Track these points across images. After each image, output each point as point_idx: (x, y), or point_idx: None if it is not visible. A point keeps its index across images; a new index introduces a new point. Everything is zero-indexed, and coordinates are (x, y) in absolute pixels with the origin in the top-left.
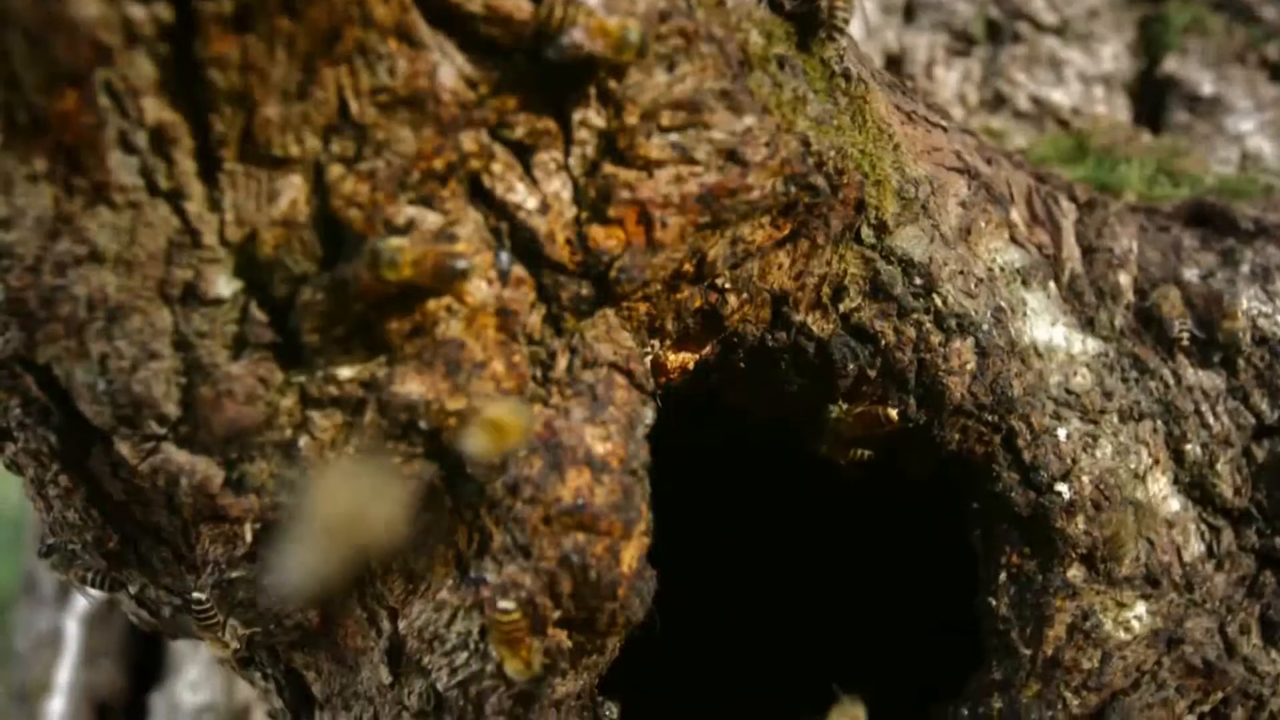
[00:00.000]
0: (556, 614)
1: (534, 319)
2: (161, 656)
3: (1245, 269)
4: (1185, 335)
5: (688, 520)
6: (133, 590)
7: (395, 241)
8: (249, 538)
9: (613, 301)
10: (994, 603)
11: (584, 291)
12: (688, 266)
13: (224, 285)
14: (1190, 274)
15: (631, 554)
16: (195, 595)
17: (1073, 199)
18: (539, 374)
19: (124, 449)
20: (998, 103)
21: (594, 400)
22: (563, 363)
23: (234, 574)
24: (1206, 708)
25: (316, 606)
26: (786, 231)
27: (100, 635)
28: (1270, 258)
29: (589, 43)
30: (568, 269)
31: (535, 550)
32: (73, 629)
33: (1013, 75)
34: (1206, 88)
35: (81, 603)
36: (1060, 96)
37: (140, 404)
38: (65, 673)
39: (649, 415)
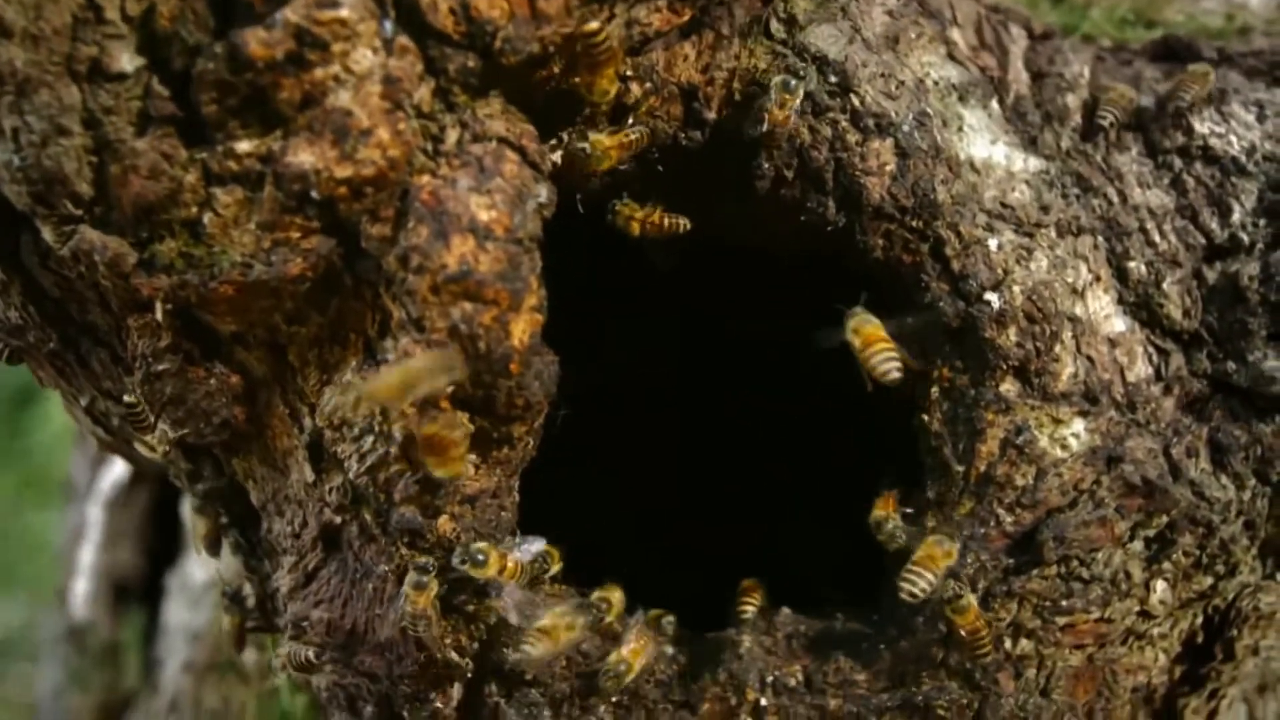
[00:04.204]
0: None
1: (423, 92)
2: (176, 537)
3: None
4: (1108, 118)
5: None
6: (84, 402)
7: None
8: (160, 317)
9: (505, 79)
10: (927, 419)
11: (471, 64)
12: None
13: (127, 61)
14: (1147, 101)
15: (522, 328)
16: (126, 398)
17: (1026, 29)
18: (430, 148)
19: (46, 232)
20: None
21: (481, 171)
22: (453, 136)
23: (160, 366)
24: (1150, 532)
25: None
26: (686, 17)
27: (120, 519)
28: (1230, 82)
29: None
30: (453, 39)
31: (426, 322)
32: (95, 514)
33: None
34: None
35: (104, 490)
36: None
37: (53, 180)
38: (88, 555)
39: (542, 192)
